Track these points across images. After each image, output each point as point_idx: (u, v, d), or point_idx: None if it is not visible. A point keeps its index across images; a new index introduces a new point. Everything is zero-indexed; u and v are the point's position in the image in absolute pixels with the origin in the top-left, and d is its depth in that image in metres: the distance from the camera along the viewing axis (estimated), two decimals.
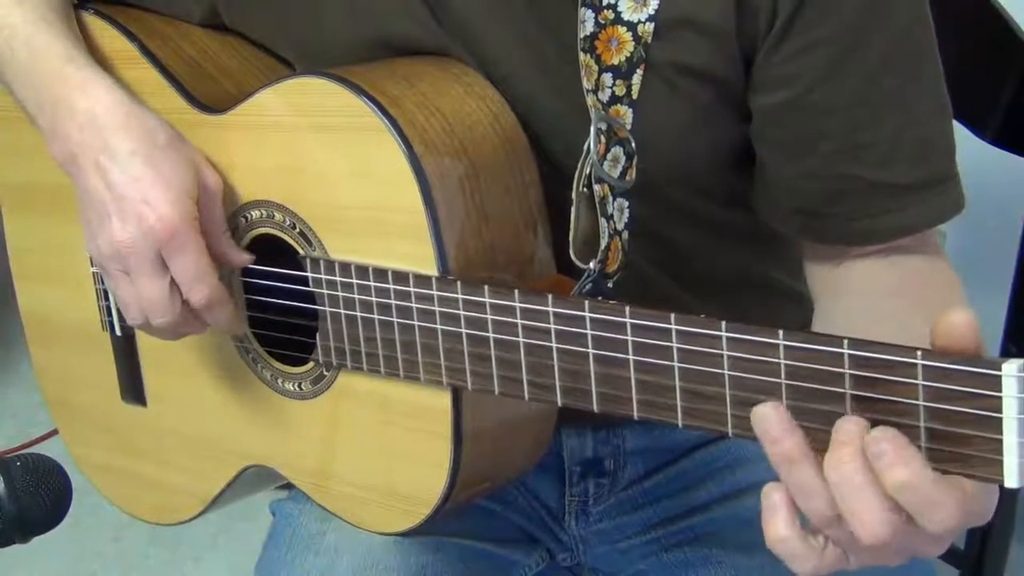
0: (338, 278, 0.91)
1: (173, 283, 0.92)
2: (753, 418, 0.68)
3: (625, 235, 0.90)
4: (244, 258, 0.96)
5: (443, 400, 0.89)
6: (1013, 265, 1.35)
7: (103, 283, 1.10)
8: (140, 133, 0.93)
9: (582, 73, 0.88)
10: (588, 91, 0.88)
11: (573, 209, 0.89)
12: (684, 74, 0.88)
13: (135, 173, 0.91)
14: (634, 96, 0.88)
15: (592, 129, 0.87)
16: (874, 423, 0.66)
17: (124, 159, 0.92)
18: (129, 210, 0.90)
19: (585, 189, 0.89)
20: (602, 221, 0.89)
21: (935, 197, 0.90)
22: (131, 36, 1.02)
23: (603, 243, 0.89)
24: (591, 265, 0.89)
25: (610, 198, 0.89)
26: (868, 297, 0.91)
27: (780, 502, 0.68)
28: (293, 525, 1.09)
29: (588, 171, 0.88)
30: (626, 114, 0.88)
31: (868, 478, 0.64)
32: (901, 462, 0.63)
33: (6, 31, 0.98)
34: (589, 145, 0.88)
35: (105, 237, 0.92)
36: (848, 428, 0.66)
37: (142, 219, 0.90)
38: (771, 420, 0.67)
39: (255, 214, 0.96)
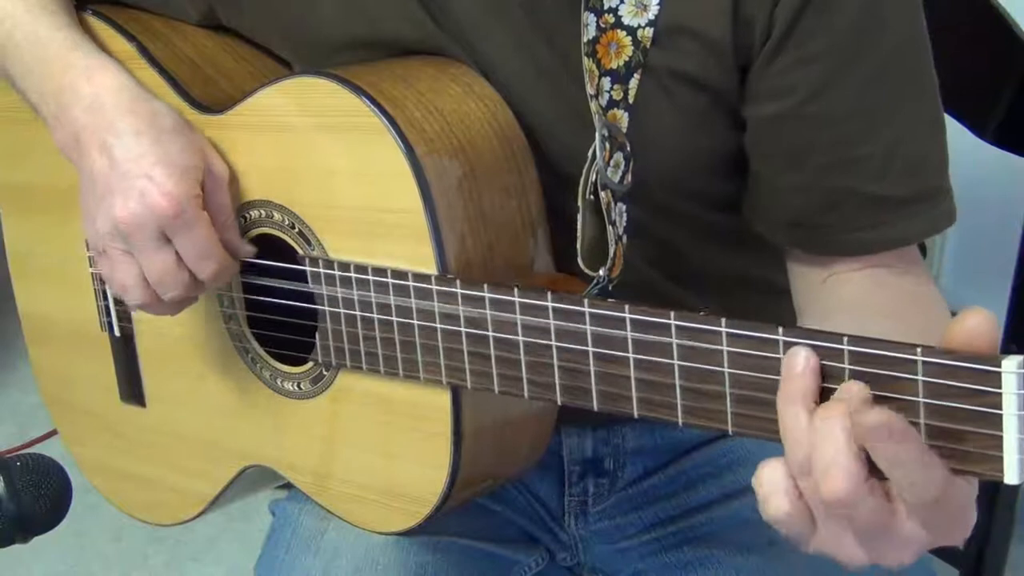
0: (337, 276, 0.90)
1: (179, 257, 0.91)
2: (788, 353, 0.67)
3: (624, 238, 0.90)
4: (247, 250, 0.96)
5: (443, 399, 0.88)
6: (1013, 265, 1.35)
7: (102, 283, 1.10)
8: (146, 116, 0.92)
9: (585, 78, 0.88)
10: (592, 96, 0.87)
11: (579, 216, 0.88)
12: (680, 81, 0.88)
13: (140, 151, 0.90)
14: (630, 100, 0.88)
15: (597, 136, 0.87)
16: None
17: (130, 139, 0.91)
18: (132, 186, 0.90)
19: (591, 196, 0.88)
20: (609, 228, 0.89)
21: (927, 211, 0.90)
22: (129, 36, 1.02)
23: (611, 250, 0.89)
24: (600, 272, 0.88)
25: (612, 203, 0.89)
26: (856, 317, 0.89)
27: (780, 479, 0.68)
28: (293, 525, 1.08)
29: (594, 178, 0.88)
30: (622, 118, 0.88)
31: (847, 433, 0.64)
32: (904, 440, 0.63)
33: (8, 22, 0.98)
34: (595, 151, 0.87)
35: (104, 214, 0.91)
36: (851, 389, 0.65)
37: (144, 194, 0.89)
38: (800, 357, 0.67)
39: (254, 214, 0.96)
